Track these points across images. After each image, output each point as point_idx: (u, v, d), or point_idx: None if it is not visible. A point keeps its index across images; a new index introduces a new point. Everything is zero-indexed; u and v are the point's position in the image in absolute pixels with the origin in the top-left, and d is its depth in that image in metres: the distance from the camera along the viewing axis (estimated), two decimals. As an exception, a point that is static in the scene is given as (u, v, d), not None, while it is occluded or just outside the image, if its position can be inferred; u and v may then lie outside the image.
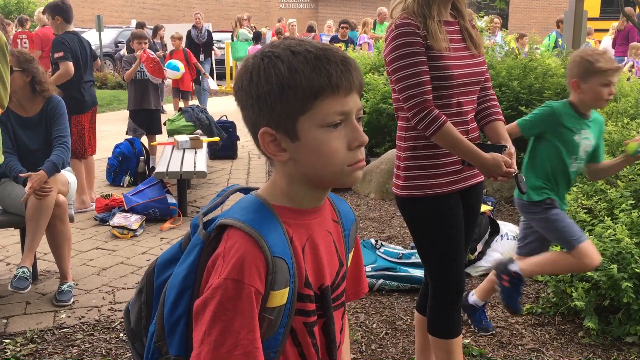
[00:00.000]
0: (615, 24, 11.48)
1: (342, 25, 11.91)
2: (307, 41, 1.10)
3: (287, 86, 1.05)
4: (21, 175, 3.46)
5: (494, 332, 3.12)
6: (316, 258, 1.15)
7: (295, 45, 1.07)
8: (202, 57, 11.56)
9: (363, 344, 3.04)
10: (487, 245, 3.97)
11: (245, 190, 1.22)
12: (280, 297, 1.08)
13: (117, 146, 6.57)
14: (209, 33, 12.04)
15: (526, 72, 5.69)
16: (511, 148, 2.23)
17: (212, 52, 12.41)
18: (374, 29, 13.03)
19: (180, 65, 8.58)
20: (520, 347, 3.00)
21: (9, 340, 3.09)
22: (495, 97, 2.42)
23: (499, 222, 4.15)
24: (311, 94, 1.05)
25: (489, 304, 3.46)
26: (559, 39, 10.37)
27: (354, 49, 10.20)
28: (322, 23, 16.83)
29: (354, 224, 1.29)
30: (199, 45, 11.73)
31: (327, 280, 1.16)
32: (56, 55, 5.08)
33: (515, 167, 2.19)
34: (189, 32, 11.75)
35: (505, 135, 2.33)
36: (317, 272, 1.15)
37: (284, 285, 1.08)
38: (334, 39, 11.58)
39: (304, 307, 1.12)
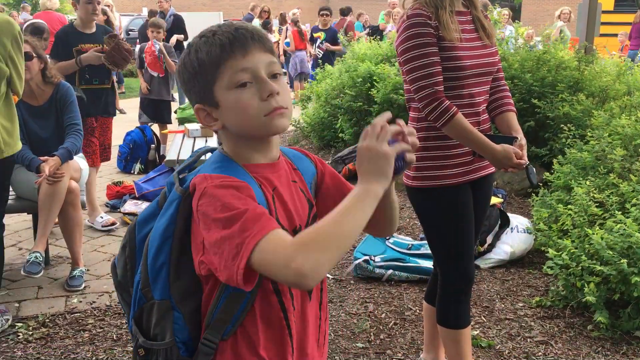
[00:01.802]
0: None
1: (322, 12, 10.96)
2: (223, 24, 1.24)
3: (197, 65, 1.21)
4: (40, 158, 3.48)
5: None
6: (284, 205, 1.26)
7: (208, 30, 1.23)
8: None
9: (372, 334, 3.06)
10: (497, 237, 3.97)
11: (215, 150, 1.33)
12: None
13: (128, 134, 6.61)
14: (177, 19, 9.75)
15: (539, 64, 5.65)
16: (522, 139, 2.22)
17: (182, 42, 9.60)
18: (384, 19, 12.95)
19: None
20: (529, 340, 3.00)
21: (22, 324, 3.12)
22: (507, 87, 2.41)
23: (509, 214, 4.14)
24: (213, 64, 1.20)
25: (499, 295, 3.46)
26: (563, 30, 10.28)
27: (358, 39, 9.84)
28: (335, 12, 16.73)
29: (315, 175, 1.39)
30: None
31: (297, 222, 1.27)
32: None
33: (526, 158, 2.18)
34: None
35: (516, 126, 2.32)
36: (288, 217, 1.25)
37: None
38: (314, 29, 10.94)
39: None
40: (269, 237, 1.07)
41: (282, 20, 12.79)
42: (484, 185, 2.38)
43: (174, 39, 8.98)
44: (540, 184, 4.48)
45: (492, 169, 2.38)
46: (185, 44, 10.39)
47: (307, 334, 1.32)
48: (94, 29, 4.63)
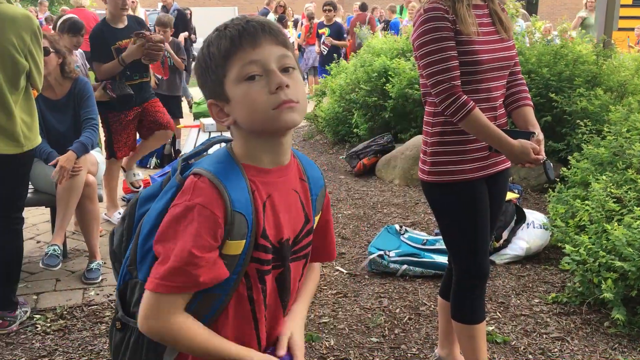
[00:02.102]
0: None
1: (325, 8, 10.49)
2: (237, 17, 1.23)
3: (208, 60, 1.21)
4: (51, 163, 3.52)
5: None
6: (276, 214, 1.24)
7: (222, 24, 1.22)
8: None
9: (386, 329, 3.06)
10: (513, 233, 3.94)
11: (228, 142, 1.31)
12: (235, 247, 1.19)
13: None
14: (180, 13, 9.37)
15: (556, 58, 5.60)
16: (540, 135, 2.20)
17: (188, 39, 9.42)
18: (400, 13, 12.89)
19: None
20: (544, 336, 2.98)
21: (40, 316, 3.17)
22: (525, 82, 2.39)
23: (525, 210, 4.11)
24: (222, 57, 1.19)
25: (514, 291, 3.44)
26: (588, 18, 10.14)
27: (394, 33, 9.58)
28: (348, 6, 16.70)
29: (322, 189, 1.38)
30: None
31: (286, 234, 1.26)
32: None
33: (544, 154, 2.17)
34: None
35: (533, 121, 2.30)
36: (276, 227, 1.24)
37: (240, 238, 1.19)
38: (320, 26, 10.69)
39: (259, 255, 1.22)
40: (170, 297, 1.17)
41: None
42: (499, 180, 2.37)
43: (181, 36, 8.68)
44: (557, 180, 4.45)
45: (508, 164, 2.36)
46: (199, 39, 10.43)
47: (278, 319, 1.33)
48: (126, 22, 4.61)
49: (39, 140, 3.08)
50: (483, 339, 2.39)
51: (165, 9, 9.16)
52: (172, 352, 1.26)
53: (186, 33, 8.98)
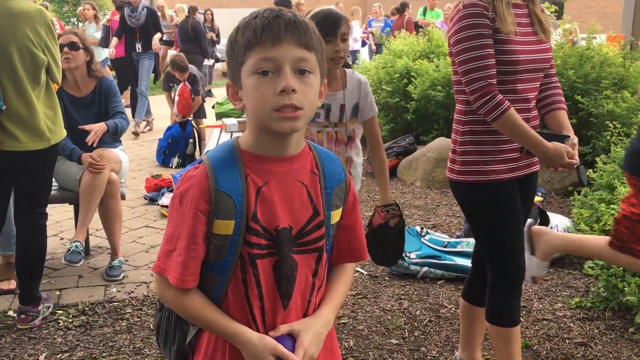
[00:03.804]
0: None
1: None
2: (270, 9, 1.25)
3: (234, 44, 1.24)
4: (79, 154, 3.57)
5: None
6: (271, 201, 1.27)
7: (257, 11, 1.25)
8: (138, 47, 8.09)
9: (406, 331, 3.03)
10: (536, 236, 3.89)
11: None
12: (225, 226, 1.25)
13: (168, 128, 6.72)
14: (150, 12, 8.30)
15: (582, 60, 5.52)
16: (574, 138, 2.15)
17: (158, 41, 8.38)
18: (424, 15, 12.82)
19: None
20: (567, 341, 2.93)
21: (62, 312, 3.20)
22: (559, 85, 2.33)
23: (549, 213, 4.05)
24: (243, 46, 1.21)
25: (537, 295, 3.39)
26: None
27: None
28: (371, 8, 16.67)
29: (341, 184, 1.36)
30: (134, 30, 8.12)
31: (283, 222, 1.28)
32: None
33: (578, 158, 2.12)
34: (122, 13, 8.28)
35: (568, 125, 2.25)
36: (270, 213, 1.27)
37: (228, 217, 1.24)
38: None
39: (249, 238, 1.26)
40: (163, 277, 1.28)
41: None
42: (529, 183, 2.33)
43: (155, 39, 8.08)
44: (587, 183, 4.38)
45: (537, 167, 2.32)
46: (222, 41, 10.47)
47: (277, 310, 1.31)
48: None
49: (64, 133, 3.12)
50: (518, 343, 2.33)
51: (130, 5, 8.08)
52: (193, 329, 1.35)
53: (159, 34, 8.33)
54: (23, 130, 2.88)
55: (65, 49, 3.61)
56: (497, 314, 2.30)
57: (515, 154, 2.20)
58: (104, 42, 8.86)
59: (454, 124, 2.30)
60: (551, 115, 2.27)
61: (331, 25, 2.35)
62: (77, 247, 3.45)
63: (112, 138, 3.82)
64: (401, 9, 12.37)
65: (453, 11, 2.18)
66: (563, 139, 2.11)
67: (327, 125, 2.55)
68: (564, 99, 2.31)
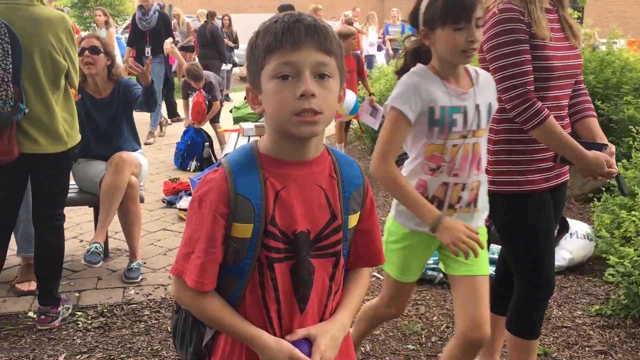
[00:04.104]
0: None
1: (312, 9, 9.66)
2: (290, 13, 1.24)
3: (254, 48, 1.25)
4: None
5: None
6: (290, 205, 1.27)
7: (278, 15, 1.25)
8: (147, 51, 7.82)
9: (423, 336, 3.02)
10: (556, 243, 3.85)
11: None
12: (243, 230, 1.25)
13: (185, 131, 6.76)
14: (162, 16, 8.09)
15: (603, 66, 5.46)
16: (611, 147, 2.12)
17: (170, 45, 8.06)
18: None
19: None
20: (587, 349, 2.90)
21: (81, 313, 3.23)
22: (587, 92, 2.30)
23: (568, 220, 4.01)
24: (263, 50, 1.21)
25: (556, 302, 3.36)
26: None
27: None
28: (388, 13, 16.66)
29: (359, 189, 1.37)
30: (144, 33, 7.90)
31: (301, 226, 1.28)
32: None
33: (616, 167, 2.09)
34: (133, 17, 8.12)
35: (600, 133, 2.21)
36: (288, 217, 1.27)
37: (247, 221, 1.25)
38: None
39: (267, 242, 1.27)
40: (181, 279, 1.29)
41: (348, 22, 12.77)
42: (560, 192, 2.29)
43: (167, 43, 7.88)
44: (603, 189, 4.33)
45: (567, 177, 2.28)
46: (241, 46, 10.40)
47: (294, 314, 1.31)
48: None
49: (79, 137, 3.17)
50: (535, 355, 2.31)
51: (143, 9, 7.89)
52: (210, 332, 1.36)
53: (171, 39, 8.10)
54: (43, 134, 2.93)
55: (87, 52, 3.66)
56: (525, 325, 2.27)
57: (549, 163, 2.15)
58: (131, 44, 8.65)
59: None
60: (581, 123, 2.23)
61: (466, 8, 1.83)
62: (97, 248, 3.48)
63: (146, 103, 3.83)
64: None
65: (487, 15, 2.09)
66: (601, 147, 2.08)
67: (466, 135, 1.95)
68: (592, 107, 2.27)
